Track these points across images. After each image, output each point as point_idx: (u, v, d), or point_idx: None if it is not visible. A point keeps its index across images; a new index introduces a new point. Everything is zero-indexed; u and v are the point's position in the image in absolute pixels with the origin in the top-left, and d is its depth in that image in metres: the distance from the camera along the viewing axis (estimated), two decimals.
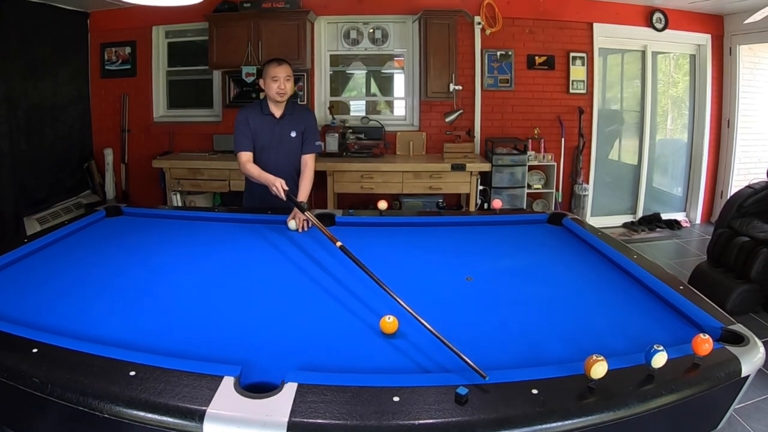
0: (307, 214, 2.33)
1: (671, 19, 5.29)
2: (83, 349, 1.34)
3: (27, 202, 4.51)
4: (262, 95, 3.15)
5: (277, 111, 2.88)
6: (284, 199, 2.52)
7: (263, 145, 2.88)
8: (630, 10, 5.23)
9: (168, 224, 2.67)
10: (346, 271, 2.09)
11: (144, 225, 2.64)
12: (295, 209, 2.49)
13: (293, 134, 2.90)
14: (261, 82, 2.85)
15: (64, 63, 4.92)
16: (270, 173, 2.70)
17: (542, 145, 5.28)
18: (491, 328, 1.61)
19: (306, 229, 2.51)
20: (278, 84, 2.76)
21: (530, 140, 5.18)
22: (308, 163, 2.89)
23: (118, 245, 2.32)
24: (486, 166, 4.72)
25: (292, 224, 2.50)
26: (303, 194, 2.76)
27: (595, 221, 5.28)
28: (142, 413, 1.14)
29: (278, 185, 2.54)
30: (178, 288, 1.89)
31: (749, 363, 1.33)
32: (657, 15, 5.26)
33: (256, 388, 1.22)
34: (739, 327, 1.49)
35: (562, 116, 5.27)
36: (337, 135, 4.85)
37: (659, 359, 1.22)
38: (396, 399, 1.17)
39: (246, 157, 2.83)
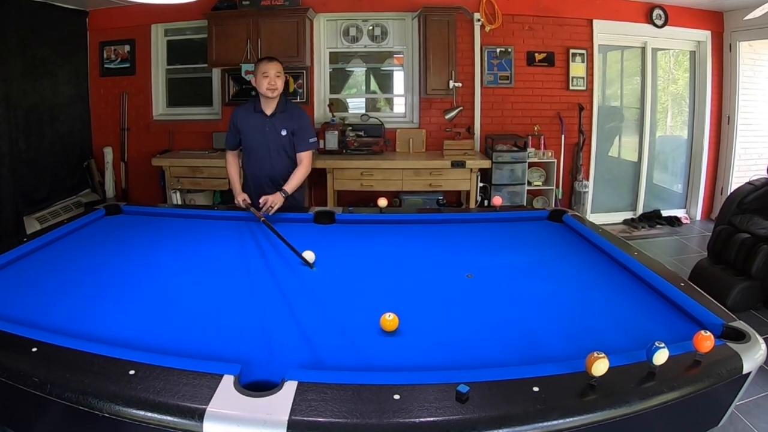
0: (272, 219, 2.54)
1: (671, 16, 5.28)
2: (83, 348, 1.34)
3: (27, 201, 4.51)
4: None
5: (268, 109, 2.92)
6: (247, 210, 2.74)
7: (254, 143, 2.97)
8: (630, 7, 5.22)
9: (168, 222, 2.67)
10: (346, 269, 2.09)
11: (144, 223, 2.64)
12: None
13: (283, 132, 2.92)
14: (253, 80, 2.90)
15: (63, 62, 4.91)
16: (262, 170, 2.96)
17: (542, 142, 5.27)
18: (492, 326, 1.61)
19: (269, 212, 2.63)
20: (269, 80, 2.82)
21: (530, 137, 5.17)
22: (302, 160, 2.94)
23: (118, 244, 2.32)
24: (486, 163, 4.72)
25: (310, 255, 2.14)
26: (290, 185, 2.82)
27: (596, 218, 5.27)
28: (141, 412, 1.13)
29: (239, 200, 2.84)
30: (178, 286, 1.89)
31: (750, 360, 1.33)
32: (657, 11, 5.25)
33: (256, 387, 1.22)
34: (740, 324, 1.48)
35: (562, 113, 5.26)
36: (336, 132, 4.84)
37: (660, 356, 1.22)
38: (396, 397, 1.16)
39: (230, 155, 3.11)
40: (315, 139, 3.00)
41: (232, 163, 3.12)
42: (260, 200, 2.66)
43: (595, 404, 1.16)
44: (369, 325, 1.57)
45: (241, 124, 2.99)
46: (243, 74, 4.77)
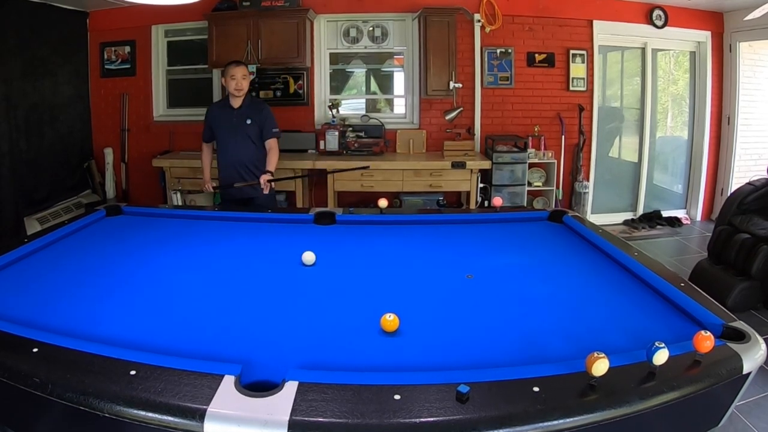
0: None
1: (671, 16, 5.28)
2: (84, 348, 1.34)
3: (27, 201, 4.51)
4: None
5: (235, 104, 3.44)
6: (212, 191, 3.60)
7: (224, 132, 3.46)
8: (630, 7, 5.22)
9: (168, 223, 2.67)
10: (345, 269, 2.09)
11: (144, 224, 2.64)
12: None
13: (248, 122, 3.42)
14: (223, 80, 3.42)
15: (64, 62, 4.91)
16: (231, 154, 3.45)
17: (542, 142, 5.27)
18: (492, 326, 1.61)
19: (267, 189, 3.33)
20: (235, 82, 3.35)
21: (530, 138, 5.17)
22: (271, 145, 3.44)
23: (118, 245, 2.32)
24: (486, 164, 4.72)
25: (311, 257, 2.15)
26: (271, 166, 3.39)
27: (596, 219, 5.26)
28: (142, 412, 1.14)
29: (207, 187, 3.58)
30: (179, 287, 1.89)
31: (750, 360, 1.33)
32: (657, 12, 5.25)
33: (257, 387, 1.22)
34: (740, 324, 1.48)
35: (563, 114, 5.26)
36: (337, 133, 4.84)
37: (661, 356, 1.22)
38: (397, 397, 1.17)
39: (204, 147, 3.67)
40: (278, 129, 3.50)
41: (206, 154, 3.68)
42: (262, 183, 3.28)
43: (596, 404, 1.16)
44: (369, 325, 1.57)
45: (212, 119, 3.50)
46: None
